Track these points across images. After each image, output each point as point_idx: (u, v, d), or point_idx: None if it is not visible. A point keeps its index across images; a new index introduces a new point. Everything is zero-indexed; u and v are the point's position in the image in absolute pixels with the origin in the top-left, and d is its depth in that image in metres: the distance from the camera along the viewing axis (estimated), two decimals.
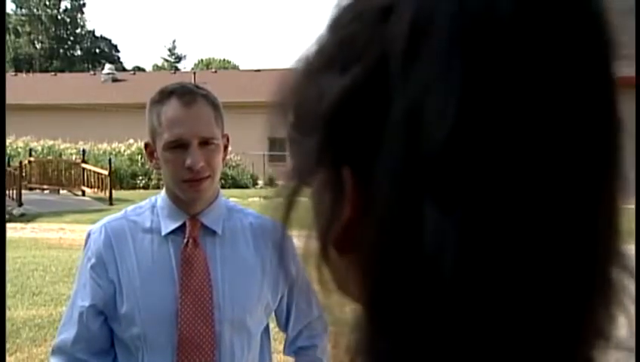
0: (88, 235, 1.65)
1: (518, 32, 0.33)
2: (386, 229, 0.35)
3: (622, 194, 0.36)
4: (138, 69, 51.48)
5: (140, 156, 20.99)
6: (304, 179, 0.40)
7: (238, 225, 1.66)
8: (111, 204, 16.07)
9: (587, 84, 0.34)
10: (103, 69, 36.09)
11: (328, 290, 0.41)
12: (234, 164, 21.70)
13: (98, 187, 18.00)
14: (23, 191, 15.80)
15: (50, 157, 21.39)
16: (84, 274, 1.62)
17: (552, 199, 0.33)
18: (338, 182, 0.37)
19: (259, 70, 32.08)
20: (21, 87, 29.47)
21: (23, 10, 52.78)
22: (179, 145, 1.54)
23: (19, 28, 51.89)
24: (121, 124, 24.23)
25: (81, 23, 55.45)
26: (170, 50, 57.97)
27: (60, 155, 22.26)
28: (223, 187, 16.38)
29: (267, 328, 1.73)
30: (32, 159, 20.13)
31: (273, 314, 1.74)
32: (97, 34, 56.80)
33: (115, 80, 32.57)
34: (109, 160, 18.67)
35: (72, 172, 19.19)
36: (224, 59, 52.44)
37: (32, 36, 52.27)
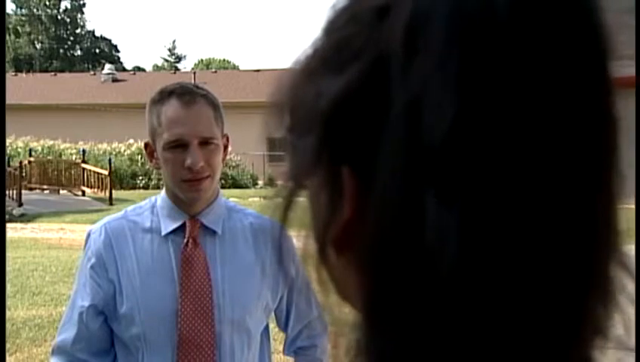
0: (88, 235, 1.65)
1: (515, 29, 0.33)
2: (387, 226, 0.35)
3: (620, 192, 0.36)
4: (138, 69, 51.54)
5: (140, 156, 21.01)
6: (302, 178, 0.40)
7: (238, 225, 1.66)
8: (111, 204, 16.08)
9: (583, 80, 0.34)
10: (103, 69, 36.10)
11: (327, 290, 0.41)
12: (234, 164, 21.71)
13: (98, 187, 18.01)
14: (23, 191, 15.80)
15: (50, 158, 21.39)
16: (84, 274, 1.62)
17: (551, 194, 0.34)
18: (336, 181, 0.37)
19: (259, 70, 32.12)
20: (21, 87, 29.48)
21: (23, 10, 52.80)
22: (179, 145, 1.54)
23: (19, 28, 51.90)
24: (121, 124, 24.27)
25: (81, 23, 55.46)
26: (170, 50, 58.00)
27: (60, 155, 22.28)
28: (223, 187, 16.39)
29: (267, 328, 1.73)
30: (31, 159, 20.12)
31: (273, 314, 1.74)
32: (97, 34, 56.84)
33: (115, 80, 32.58)
34: (109, 160, 18.66)
35: (72, 172, 19.19)
36: (224, 59, 52.45)
37: (32, 36, 52.28)
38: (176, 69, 49.71)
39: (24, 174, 17.57)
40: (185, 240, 1.60)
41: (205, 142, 1.55)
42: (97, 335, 1.61)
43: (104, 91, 30.65)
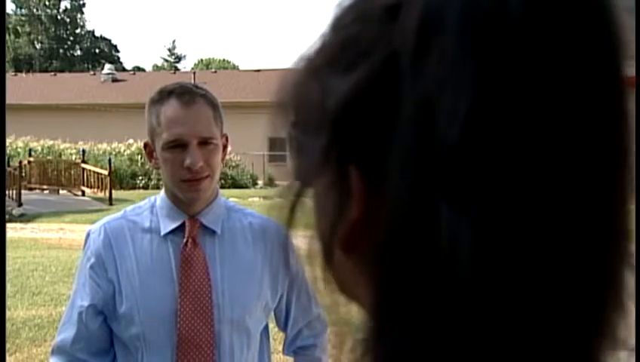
0: (88, 235, 1.65)
1: (529, 27, 0.33)
2: (398, 228, 0.34)
3: (631, 194, 0.36)
4: (138, 69, 51.52)
5: (139, 156, 20.99)
6: (309, 178, 0.40)
7: (238, 224, 1.66)
8: (110, 204, 16.07)
9: (598, 79, 0.34)
10: (102, 69, 36.08)
11: (331, 290, 0.41)
12: (234, 164, 21.71)
13: (98, 187, 18.00)
14: (23, 191, 15.80)
15: (49, 158, 21.38)
16: (84, 273, 1.62)
17: (567, 196, 0.33)
18: (344, 181, 0.37)
19: (259, 70, 32.10)
20: (21, 87, 29.48)
21: (23, 10, 52.78)
22: (178, 145, 1.54)
23: (19, 28, 51.89)
24: (121, 124, 24.26)
25: (81, 23, 55.44)
26: (170, 50, 57.98)
27: (60, 155, 22.26)
28: (222, 187, 16.39)
29: (266, 328, 1.73)
30: (31, 159, 20.11)
31: (273, 313, 1.74)
32: (97, 34, 56.83)
33: (114, 80, 32.57)
34: (109, 160, 18.65)
35: (72, 172, 19.19)
36: (224, 59, 52.44)
37: (32, 36, 52.26)
38: (176, 69, 49.70)
39: (24, 174, 17.56)
40: (184, 240, 1.60)
41: (204, 142, 1.55)
42: (97, 335, 1.61)
43: (104, 91, 30.64)
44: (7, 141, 20.71)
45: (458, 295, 0.33)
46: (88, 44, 55.17)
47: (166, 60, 57.30)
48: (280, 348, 1.90)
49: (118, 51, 57.60)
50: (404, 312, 0.34)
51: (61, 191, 18.86)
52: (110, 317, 1.60)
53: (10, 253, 7.74)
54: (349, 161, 0.37)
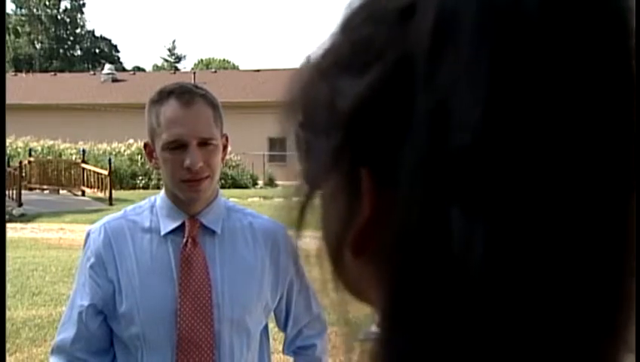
0: (88, 235, 1.65)
1: (545, 28, 0.32)
2: (409, 231, 0.34)
3: None
4: (138, 69, 51.57)
5: (139, 156, 21.01)
6: (320, 180, 0.40)
7: (238, 224, 1.66)
8: (111, 204, 16.07)
9: (615, 79, 0.33)
10: (102, 69, 36.12)
11: (338, 292, 0.41)
12: (234, 164, 21.71)
13: (98, 187, 18.01)
14: (23, 192, 15.80)
15: (50, 158, 21.39)
16: (84, 273, 1.62)
17: (581, 202, 0.33)
18: (355, 183, 0.37)
19: (259, 70, 32.13)
20: (21, 87, 29.50)
21: (23, 10, 52.80)
22: (178, 146, 1.54)
23: (19, 28, 51.90)
24: (121, 124, 24.28)
25: (81, 23, 55.47)
26: (170, 50, 58.01)
27: (60, 155, 22.28)
28: (222, 187, 16.39)
29: (266, 328, 1.73)
30: (31, 159, 20.12)
31: (272, 313, 1.74)
32: (97, 34, 56.86)
33: (114, 80, 32.61)
34: (109, 160, 18.65)
35: (72, 172, 19.19)
36: (224, 59, 52.45)
37: (32, 36, 52.28)
38: (176, 69, 49.74)
39: (24, 174, 17.56)
40: (184, 240, 1.60)
41: (204, 143, 1.55)
42: (97, 335, 1.61)
43: (104, 91, 30.67)
44: (7, 141, 20.71)
45: (469, 297, 0.32)
46: (88, 44, 55.19)
47: (166, 60, 57.32)
48: (280, 348, 1.90)
49: (118, 51, 57.65)
50: (415, 314, 0.34)
51: (61, 191, 18.86)
52: (110, 316, 1.60)
53: (10, 253, 7.74)
54: (361, 163, 0.36)
